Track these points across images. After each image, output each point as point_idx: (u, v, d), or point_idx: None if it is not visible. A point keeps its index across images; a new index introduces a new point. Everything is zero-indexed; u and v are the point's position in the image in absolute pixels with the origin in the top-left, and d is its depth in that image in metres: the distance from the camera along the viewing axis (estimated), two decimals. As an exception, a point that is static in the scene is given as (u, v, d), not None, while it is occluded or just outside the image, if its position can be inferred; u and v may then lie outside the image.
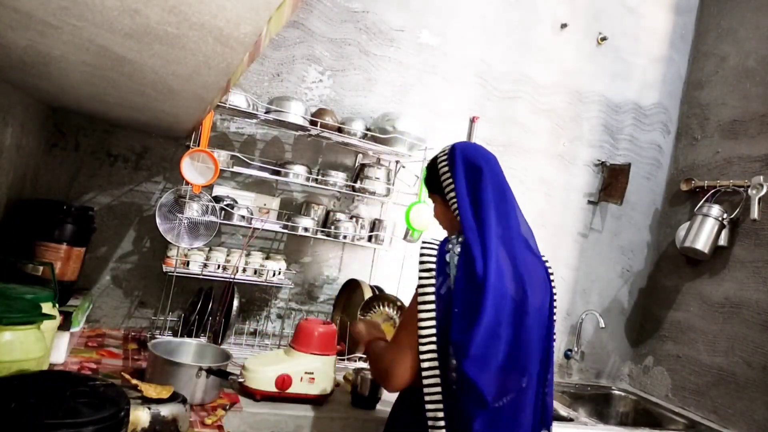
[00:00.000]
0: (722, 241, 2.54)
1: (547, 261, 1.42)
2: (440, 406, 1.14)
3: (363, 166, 2.15)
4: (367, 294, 2.03)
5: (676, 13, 3.02)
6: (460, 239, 1.21)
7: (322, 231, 2.07)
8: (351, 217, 2.16)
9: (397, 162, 2.28)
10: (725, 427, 2.39)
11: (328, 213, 2.17)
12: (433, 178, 1.38)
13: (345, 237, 2.07)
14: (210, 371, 1.46)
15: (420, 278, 1.19)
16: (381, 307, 1.94)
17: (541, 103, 2.69)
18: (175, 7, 0.68)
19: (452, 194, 1.30)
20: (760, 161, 2.54)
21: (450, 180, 1.31)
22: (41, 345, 1.08)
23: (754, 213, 2.42)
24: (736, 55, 2.78)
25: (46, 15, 0.77)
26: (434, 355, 1.14)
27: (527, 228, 1.39)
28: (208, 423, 1.37)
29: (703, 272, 2.65)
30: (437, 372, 1.14)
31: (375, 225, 2.16)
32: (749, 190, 2.48)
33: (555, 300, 1.42)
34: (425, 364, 1.15)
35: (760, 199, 2.43)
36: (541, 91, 2.69)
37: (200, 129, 1.80)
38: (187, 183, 1.78)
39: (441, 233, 1.37)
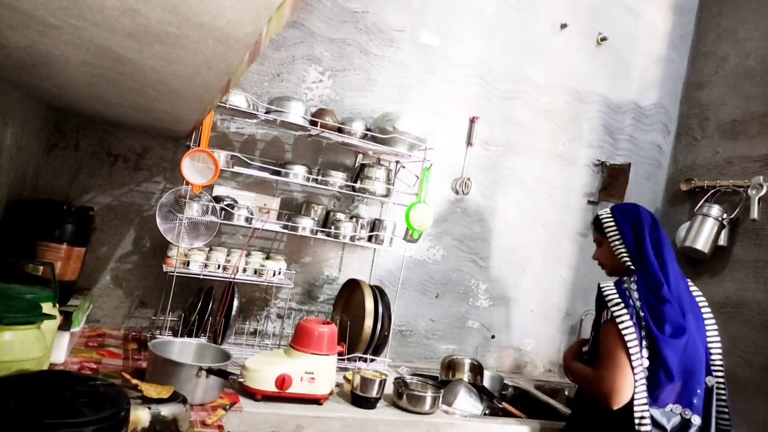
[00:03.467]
0: (722, 241, 2.54)
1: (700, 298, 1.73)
2: (646, 408, 1.47)
3: (363, 166, 2.15)
4: (368, 294, 2.03)
5: (675, 14, 3.02)
6: (633, 278, 1.58)
7: (322, 231, 2.07)
8: (351, 217, 2.16)
9: (397, 162, 2.28)
10: (725, 427, 2.39)
11: (328, 213, 2.17)
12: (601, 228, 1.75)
13: (345, 237, 2.07)
14: (210, 371, 1.46)
15: (612, 311, 1.53)
16: None
17: (541, 103, 2.69)
18: (176, 7, 0.68)
19: (618, 242, 1.68)
20: (760, 161, 2.54)
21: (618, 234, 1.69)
22: (41, 345, 1.08)
23: (754, 213, 2.42)
24: (736, 55, 2.78)
25: (46, 15, 0.77)
26: (642, 368, 1.48)
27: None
28: (208, 423, 1.37)
29: (703, 272, 2.65)
30: (644, 381, 1.48)
31: (375, 225, 2.16)
32: (749, 190, 2.48)
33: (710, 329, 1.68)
34: (638, 376, 1.47)
35: (760, 199, 2.43)
36: (541, 91, 2.69)
37: (200, 129, 1.80)
38: (188, 183, 1.78)
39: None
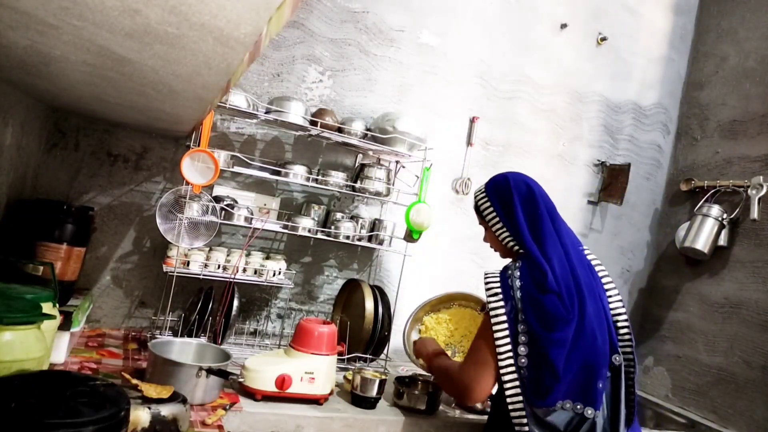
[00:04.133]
0: (722, 241, 2.54)
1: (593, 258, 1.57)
2: (522, 412, 1.33)
3: (363, 166, 2.15)
4: (368, 294, 2.03)
5: (675, 14, 3.02)
6: (518, 264, 1.42)
7: (322, 231, 2.07)
8: (351, 217, 2.16)
9: (397, 162, 2.28)
10: (725, 426, 2.39)
11: (328, 213, 2.17)
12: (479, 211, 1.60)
13: (345, 237, 2.07)
14: (210, 371, 1.46)
15: (489, 302, 1.40)
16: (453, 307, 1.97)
17: (541, 103, 2.69)
18: (175, 7, 0.68)
19: (498, 225, 1.53)
20: (759, 161, 2.54)
21: (494, 210, 1.54)
22: (41, 345, 1.08)
23: (754, 213, 2.42)
24: (736, 56, 2.78)
25: (46, 15, 0.77)
26: (513, 368, 1.34)
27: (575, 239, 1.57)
28: (208, 423, 1.37)
29: (703, 272, 2.65)
30: (517, 383, 1.34)
31: (375, 225, 2.16)
32: (749, 190, 2.48)
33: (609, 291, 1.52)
34: (506, 377, 1.34)
35: (759, 199, 2.43)
36: (541, 91, 2.69)
37: (200, 129, 1.80)
38: (188, 183, 1.78)
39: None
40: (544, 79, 2.69)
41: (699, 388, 2.56)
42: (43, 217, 1.63)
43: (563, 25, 2.71)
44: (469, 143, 2.53)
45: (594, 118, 2.83)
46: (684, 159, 2.96)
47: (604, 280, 1.51)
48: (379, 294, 2.06)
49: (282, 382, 1.55)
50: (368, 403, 1.68)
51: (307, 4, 2.19)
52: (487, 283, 1.42)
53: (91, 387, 0.97)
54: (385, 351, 2.09)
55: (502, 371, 1.34)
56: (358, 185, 2.10)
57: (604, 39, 2.80)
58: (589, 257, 1.54)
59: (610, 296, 1.48)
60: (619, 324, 1.46)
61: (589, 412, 1.34)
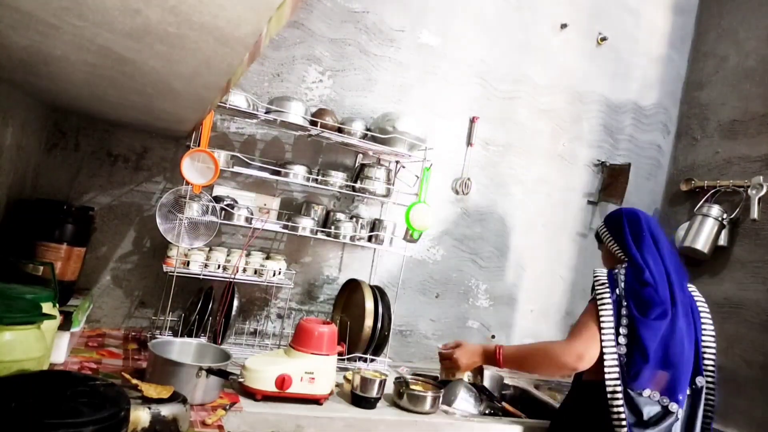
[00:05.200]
0: (722, 241, 2.54)
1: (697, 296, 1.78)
2: (618, 385, 1.52)
3: (363, 166, 2.15)
4: (368, 294, 2.03)
5: (675, 14, 3.02)
6: (623, 266, 1.67)
7: (322, 231, 2.07)
8: (351, 217, 2.16)
9: (397, 162, 2.28)
10: (725, 426, 2.39)
11: (328, 213, 2.17)
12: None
13: (345, 237, 2.07)
14: (210, 371, 1.46)
15: (597, 291, 1.63)
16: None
17: (541, 103, 2.69)
18: (176, 7, 0.68)
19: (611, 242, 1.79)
20: (759, 161, 2.54)
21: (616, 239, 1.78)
22: (41, 345, 1.08)
23: (754, 213, 2.42)
24: (736, 56, 2.78)
25: (46, 15, 0.77)
26: (613, 344, 1.54)
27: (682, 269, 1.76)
28: (208, 423, 1.37)
29: (703, 272, 2.65)
30: (615, 356, 1.54)
31: (375, 225, 2.16)
32: (749, 190, 2.48)
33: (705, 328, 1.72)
34: (607, 350, 1.54)
35: (759, 199, 2.43)
36: (541, 91, 2.69)
37: (200, 129, 1.80)
38: (188, 183, 1.78)
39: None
40: (544, 79, 2.69)
41: (699, 388, 2.56)
42: (43, 217, 1.63)
43: (563, 25, 2.71)
44: (469, 143, 2.53)
45: (594, 118, 2.83)
46: (684, 159, 2.96)
47: (702, 314, 1.71)
48: (379, 294, 2.06)
49: (282, 382, 1.55)
50: (368, 403, 1.68)
51: (307, 4, 2.19)
52: (596, 277, 1.68)
53: (91, 387, 0.97)
54: (385, 351, 2.09)
55: (604, 349, 1.54)
56: (358, 185, 2.10)
57: (604, 39, 2.80)
58: (693, 294, 1.75)
59: (704, 328, 1.69)
60: (707, 354, 1.66)
61: (674, 407, 1.53)
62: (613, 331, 1.55)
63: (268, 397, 1.56)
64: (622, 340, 1.55)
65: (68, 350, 1.54)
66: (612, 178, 2.78)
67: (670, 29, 3.01)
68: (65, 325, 1.46)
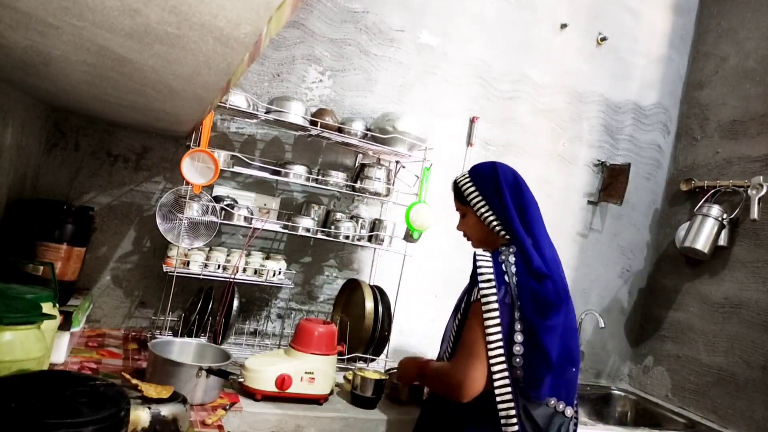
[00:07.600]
0: (722, 241, 2.54)
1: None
2: (511, 404, 1.27)
3: (363, 166, 2.15)
4: (368, 294, 2.03)
5: (675, 14, 3.02)
6: (511, 249, 1.35)
7: (322, 231, 2.07)
8: (351, 217, 2.16)
9: (397, 162, 2.28)
10: (725, 426, 2.39)
11: (328, 213, 2.17)
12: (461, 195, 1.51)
13: (345, 237, 2.07)
14: (210, 371, 1.46)
15: (480, 288, 1.30)
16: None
17: (541, 103, 2.69)
18: (175, 7, 0.68)
19: (484, 209, 1.44)
20: (759, 161, 2.54)
21: (480, 196, 1.46)
22: (41, 345, 1.08)
23: (754, 213, 2.42)
24: (736, 56, 2.78)
25: (46, 15, 0.77)
26: (503, 358, 1.26)
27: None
28: (208, 423, 1.37)
29: (703, 272, 2.65)
30: (506, 374, 1.26)
31: (375, 225, 2.16)
32: (749, 190, 2.48)
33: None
34: (496, 368, 1.26)
35: (759, 199, 2.43)
36: (541, 91, 2.69)
37: (200, 129, 1.80)
38: (188, 183, 1.78)
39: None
40: (544, 79, 2.69)
41: (699, 388, 2.56)
42: (43, 217, 1.63)
43: (563, 25, 2.71)
44: (469, 143, 2.53)
45: (594, 118, 2.83)
46: (684, 159, 2.96)
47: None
48: (379, 294, 2.06)
49: (282, 382, 1.56)
50: (368, 403, 1.68)
51: (307, 4, 2.19)
52: (479, 267, 1.32)
53: (91, 387, 0.97)
54: (385, 351, 2.09)
55: (491, 361, 1.26)
56: (358, 185, 2.10)
57: (604, 39, 2.80)
58: None
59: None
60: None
61: (569, 412, 1.35)
62: (502, 344, 1.26)
63: (268, 397, 1.57)
64: (518, 349, 1.26)
65: (68, 350, 1.54)
66: (612, 178, 2.78)
67: (670, 29, 3.01)
68: (65, 325, 1.46)
